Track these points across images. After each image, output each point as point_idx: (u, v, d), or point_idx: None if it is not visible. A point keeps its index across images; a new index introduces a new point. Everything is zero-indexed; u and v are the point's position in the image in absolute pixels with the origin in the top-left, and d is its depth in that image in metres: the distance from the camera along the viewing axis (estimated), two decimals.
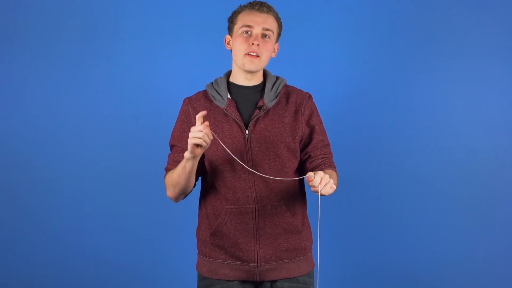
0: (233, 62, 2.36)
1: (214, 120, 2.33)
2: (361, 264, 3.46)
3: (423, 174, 3.42)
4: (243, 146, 2.30)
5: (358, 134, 3.43)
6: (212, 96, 2.36)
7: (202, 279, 2.40)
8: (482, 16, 3.40)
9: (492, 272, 3.44)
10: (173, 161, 2.35)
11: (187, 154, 2.15)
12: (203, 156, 2.36)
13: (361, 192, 3.45)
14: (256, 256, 2.32)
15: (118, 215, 3.44)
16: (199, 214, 2.43)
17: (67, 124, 3.43)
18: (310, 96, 2.40)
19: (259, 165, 2.29)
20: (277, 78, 2.40)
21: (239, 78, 2.36)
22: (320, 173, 2.08)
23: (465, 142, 3.41)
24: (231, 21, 2.35)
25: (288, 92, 2.38)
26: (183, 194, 2.33)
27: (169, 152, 2.41)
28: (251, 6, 2.32)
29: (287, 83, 2.41)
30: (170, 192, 2.32)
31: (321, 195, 2.09)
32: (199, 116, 2.10)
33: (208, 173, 2.37)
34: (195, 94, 2.41)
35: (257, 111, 2.32)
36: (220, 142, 2.22)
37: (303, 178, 2.39)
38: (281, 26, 2.36)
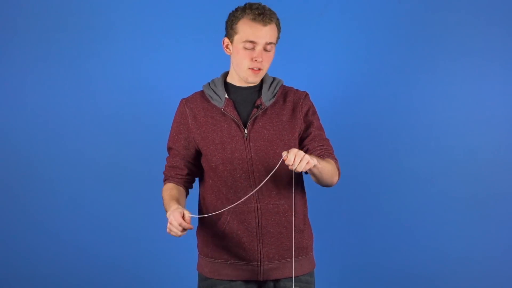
0: (231, 64, 2.35)
1: (212, 119, 2.33)
2: (361, 264, 3.46)
3: (423, 173, 3.42)
4: (242, 145, 2.30)
5: (358, 134, 3.43)
6: (209, 96, 2.35)
7: (203, 280, 2.40)
8: (483, 15, 3.40)
9: (492, 272, 3.43)
10: (169, 167, 2.38)
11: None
12: (200, 157, 2.37)
13: (361, 192, 3.45)
14: (259, 255, 2.32)
15: (118, 215, 3.44)
16: (200, 214, 2.43)
17: (67, 124, 3.44)
18: (307, 94, 2.40)
19: (259, 164, 2.29)
20: (274, 78, 2.39)
21: (237, 79, 2.35)
22: (293, 150, 2.08)
23: (465, 142, 3.41)
24: (231, 27, 2.29)
25: (285, 92, 2.38)
26: None
27: (168, 154, 2.42)
28: (253, 16, 2.25)
29: (284, 84, 2.40)
30: None
31: (298, 171, 2.10)
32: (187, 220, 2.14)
33: (207, 173, 2.37)
34: (192, 95, 2.40)
35: (255, 110, 2.32)
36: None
37: (301, 178, 2.40)
38: (280, 28, 2.33)
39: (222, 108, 2.32)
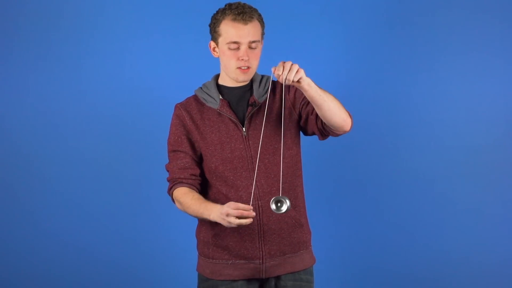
0: (221, 66, 2.38)
1: (209, 121, 2.35)
2: (361, 264, 3.45)
3: (423, 173, 3.41)
4: (242, 144, 2.33)
5: (358, 134, 3.39)
6: (203, 99, 2.38)
7: (204, 281, 2.40)
8: (483, 14, 3.40)
9: (492, 272, 3.40)
10: (180, 169, 2.35)
11: (216, 218, 2.20)
12: (200, 158, 2.39)
13: (361, 191, 3.45)
14: (261, 253, 2.33)
15: (118, 216, 3.44)
16: None
17: (66, 123, 3.44)
18: None
19: (259, 161, 2.30)
20: (263, 75, 2.41)
21: (228, 80, 2.37)
22: (282, 61, 2.09)
23: (466, 142, 3.39)
24: (214, 30, 2.32)
25: (274, 87, 2.39)
26: None
27: (168, 160, 2.40)
28: (233, 16, 2.27)
29: (273, 79, 2.40)
30: (180, 208, 2.37)
31: (289, 83, 2.10)
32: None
33: (206, 173, 2.39)
34: (185, 100, 2.43)
35: (250, 108, 2.34)
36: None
37: (301, 172, 2.41)
38: (264, 24, 2.35)
39: (217, 109, 2.34)
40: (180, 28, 3.42)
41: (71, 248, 3.44)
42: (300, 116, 2.36)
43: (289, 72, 2.09)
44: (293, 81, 2.11)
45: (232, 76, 2.33)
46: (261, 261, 2.33)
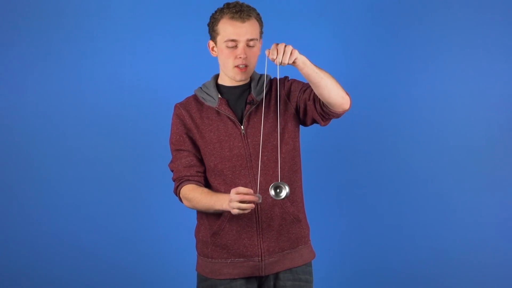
0: (219, 65, 2.39)
1: (208, 120, 2.37)
2: (360, 260, 3.45)
3: (422, 170, 3.42)
4: (241, 142, 2.34)
5: (358, 134, 3.44)
6: (203, 98, 2.39)
7: (203, 280, 2.41)
8: (483, 13, 3.40)
9: (492, 272, 3.40)
10: (186, 167, 2.37)
11: (227, 207, 2.20)
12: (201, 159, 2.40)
13: (360, 188, 3.45)
14: (260, 250, 2.34)
15: (117, 216, 3.44)
16: (197, 214, 2.45)
17: (66, 123, 3.45)
18: (286, 77, 2.42)
19: (258, 159, 2.31)
20: (262, 74, 2.42)
21: (227, 80, 2.39)
22: (275, 44, 2.10)
23: (466, 142, 3.39)
24: (212, 29, 2.34)
25: (271, 84, 2.41)
26: None
27: (171, 160, 2.41)
28: (231, 15, 2.29)
29: (271, 78, 2.43)
30: (188, 205, 2.38)
31: (283, 64, 2.10)
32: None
33: (205, 173, 2.40)
34: (185, 99, 2.44)
35: (248, 106, 2.36)
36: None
37: (300, 167, 2.41)
38: (262, 23, 2.37)
39: (216, 107, 2.36)
40: (180, 28, 3.43)
41: (71, 248, 3.45)
42: (297, 108, 2.36)
43: (283, 55, 2.10)
44: (288, 63, 2.12)
45: (230, 75, 2.34)
46: (260, 258, 2.34)
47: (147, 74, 3.44)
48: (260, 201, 2.17)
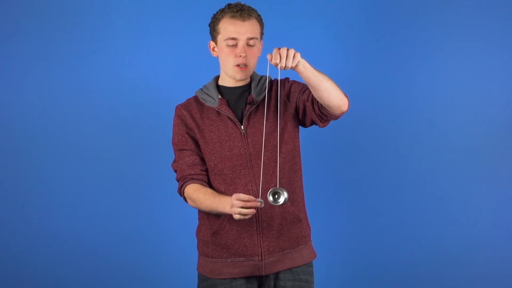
0: (220, 65, 2.41)
1: (209, 120, 2.38)
2: (361, 259, 3.45)
3: (423, 169, 3.41)
4: (241, 142, 2.35)
5: (358, 134, 3.44)
6: (203, 99, 2.41)
7: (204, 280, 2.42)
8: (483, 13, 3.39)
9: (492, 272, 3.40)
10: (189, 166, 2.37)
11: (229, 211, 2.21)
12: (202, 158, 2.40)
13: (361, 187, 3.45)
14: (260, 249, 2.34)
15: (117, 215, 3.44)
16: (198, 214, 2.46)
17: (66, 123, 3.44)
18: (286, 78, 2.43)
19: (258, 159, 2.33)
20: (262, 76, 2.43)
21: (228, 80, 2.40)
22: (277, 48, 2.10)
23: (466, 141, 3.39)
24: (213, 28, 2.37)
25: (271, 85, 2.42)
26: None
27: (174, 159, 2.41)
28: (232, 14, 2.32)
29: (272, 79, 2.44)
30: (192, 205, 2.39)
31: (286, 68, 2.10)
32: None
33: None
34: (186, 100, 2.46)
35: (248, 106, 2.37)
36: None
37: (300, 167, 2.42)
38: (263, 24, 2.39)
39: (216, 108, 2.37)
40: (181, 28, 3.43)
41: (71, 247, 3.44)
42: (297, 109, 2.37)
43: (287, 59, 2.10)
44: (291, 67, 2.13)
45: (230, 73, 2.36)
46: (260, 257, 2.34)
47: (148, 74, 3.44)
48: (263, 205, 2.18)
